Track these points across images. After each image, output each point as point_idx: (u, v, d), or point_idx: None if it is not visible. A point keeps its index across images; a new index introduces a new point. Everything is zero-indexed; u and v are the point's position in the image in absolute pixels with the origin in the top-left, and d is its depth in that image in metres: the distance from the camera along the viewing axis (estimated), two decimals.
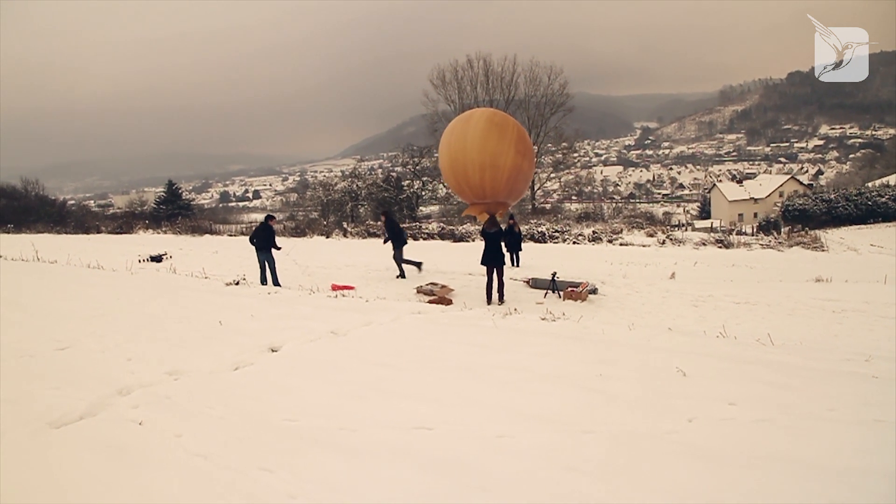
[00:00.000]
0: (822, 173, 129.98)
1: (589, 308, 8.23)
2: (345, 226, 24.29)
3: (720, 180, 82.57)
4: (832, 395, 3.15)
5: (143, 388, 3.45)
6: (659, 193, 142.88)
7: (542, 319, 5.66)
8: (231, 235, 21.82)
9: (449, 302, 8.51)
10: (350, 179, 36.55)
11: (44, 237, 21.65)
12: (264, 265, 10.31)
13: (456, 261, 13.48)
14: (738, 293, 8.92)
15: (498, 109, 10.37)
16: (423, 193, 35.55)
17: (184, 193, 47.80)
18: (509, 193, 9.15)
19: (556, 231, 20.46)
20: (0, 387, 3.46)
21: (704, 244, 18.18)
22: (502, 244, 9.14)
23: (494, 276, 8.83)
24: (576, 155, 40.19)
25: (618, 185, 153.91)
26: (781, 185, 54.54)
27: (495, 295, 8.81)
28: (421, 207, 36.79)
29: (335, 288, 9.57)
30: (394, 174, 37.60)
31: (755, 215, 46.33)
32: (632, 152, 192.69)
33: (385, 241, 11.79)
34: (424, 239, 21.09)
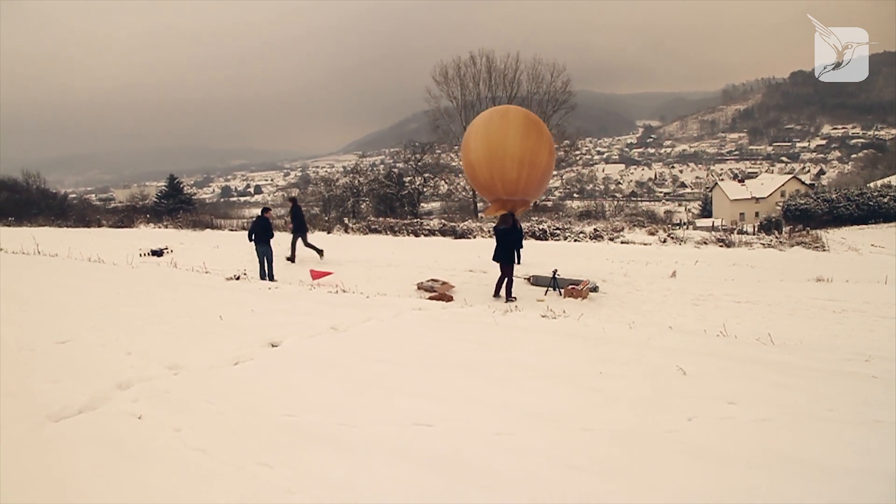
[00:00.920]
0: (823, 173, 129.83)
1: (590, 306, 8.23)
2: (346, 221, 24.24)
3: (722, 179, 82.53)
4: (832, 395, 3.15)
5: (142, 383, 3.45)
6: (660, 192, 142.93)
7: (543, 317, 5.65)
8: (232, 230, 21.79)
9: (450, 299, 8.51)
10: (352, 175, 36.49)
11: (45, 230, 21.63)
12: (263, 258, 10.31)
13: (457, 257, 13.46)
14: (739, 292, 8.92)
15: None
16: (425, 190, 35.50)
17: (185, 188, 47.76)
18: (537, 191, 9.31)
19: (558, 228, 20.41)
20: (0, 380, 3.46)
21: (706, 243, 18.12)
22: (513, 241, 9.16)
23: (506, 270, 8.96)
24: (578, 153, 40.03)
25: (619, 183, 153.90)
26: (783, 185, 54.53)
27: (503, 290, 8.92)
28: (422, 204, 36.76)
29: (314, 274, 9.73)
30: (395, 170, 37.56)
31: (756, 214, 46.31)
32: (634, 150, 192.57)
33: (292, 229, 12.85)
34: (426, 235, 21.03)
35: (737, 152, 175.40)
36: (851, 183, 53.12)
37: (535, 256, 13.83)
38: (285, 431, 2.73)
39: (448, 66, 34.83)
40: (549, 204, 42.91)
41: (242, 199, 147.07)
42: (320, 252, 12.77)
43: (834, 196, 31.25)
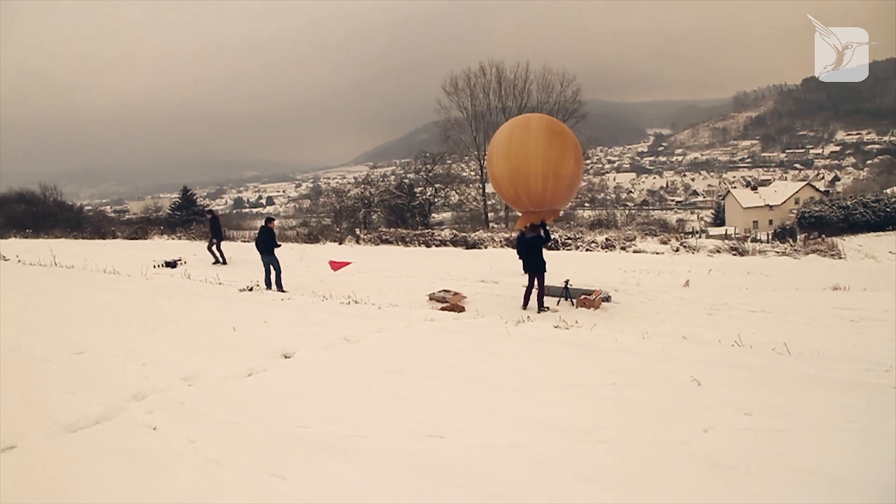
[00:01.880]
0: (838, 179, 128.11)
1: (602, 316, 8.17)
2: (357, 232, 24.32)
3: (734, 187, 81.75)
4: (851, 406, 3.09)
5: (157, 394, 3.48)
6: (672, 200, 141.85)
7: (555, 327, 5.63)
8: (244, 241, 21.97)
9: (461, 309, 8.49)
10: (363, 186, 36.65)
11: (61, 242, 21.95)
12: (269, 268, 10.34)
13: (468, 268, 13.45)
14: (754, 301, 8.81)
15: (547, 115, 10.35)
16: (436, 200, 35.56)
17: (198, 199, 48.25)
18: (566, 199, 9.22)
19: (569, 238, 20.33)
20: (17, 390, 3.51)
21: (719, 251, 17.94)
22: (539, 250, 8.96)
23: (535, 282, 8.84)
24: (588, 162, 39.94)
25: (631, 191, 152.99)
26: (797, 192, 53.99)
27: (533, 300, 8.77)
28: (433, 214, 36.80)
29: (333, 265, 10.08)
30: (406, 181, 37.64)
31: (770, 222, 45.92)
32: (645, 159, 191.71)
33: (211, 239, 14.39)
34: (437, 246, 21.05)
35: (749, 160, 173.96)
36: (867, 189, 52.38)
37: (546, 266, 13.76)
38: (298, 442, 2.74)
39: (458, 77, 35.03)
40: (561, 213, 42.66)
41: (255, 210, 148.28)
42: (224, 262, 14.01)
43: (850, 203, 30.84)
